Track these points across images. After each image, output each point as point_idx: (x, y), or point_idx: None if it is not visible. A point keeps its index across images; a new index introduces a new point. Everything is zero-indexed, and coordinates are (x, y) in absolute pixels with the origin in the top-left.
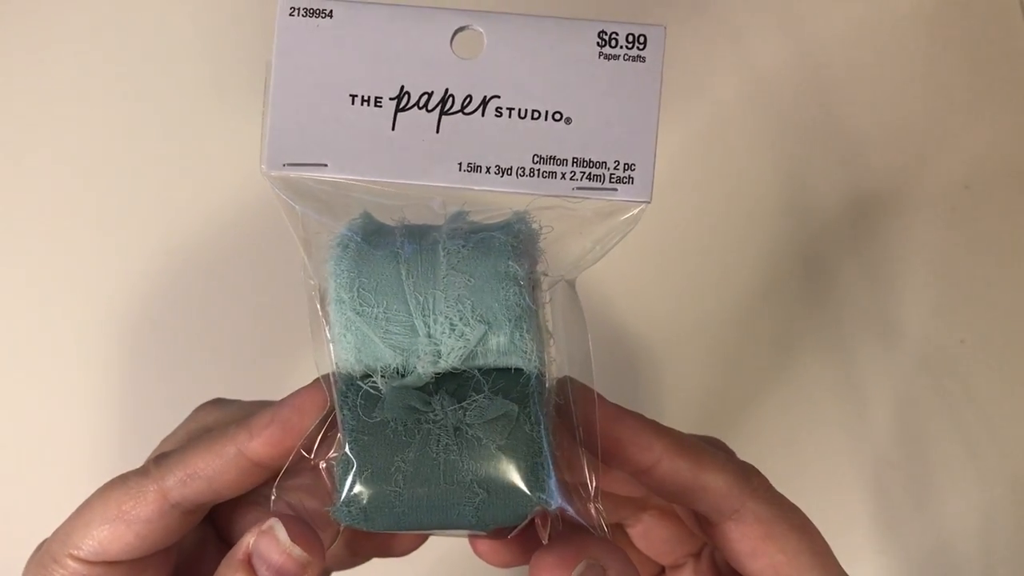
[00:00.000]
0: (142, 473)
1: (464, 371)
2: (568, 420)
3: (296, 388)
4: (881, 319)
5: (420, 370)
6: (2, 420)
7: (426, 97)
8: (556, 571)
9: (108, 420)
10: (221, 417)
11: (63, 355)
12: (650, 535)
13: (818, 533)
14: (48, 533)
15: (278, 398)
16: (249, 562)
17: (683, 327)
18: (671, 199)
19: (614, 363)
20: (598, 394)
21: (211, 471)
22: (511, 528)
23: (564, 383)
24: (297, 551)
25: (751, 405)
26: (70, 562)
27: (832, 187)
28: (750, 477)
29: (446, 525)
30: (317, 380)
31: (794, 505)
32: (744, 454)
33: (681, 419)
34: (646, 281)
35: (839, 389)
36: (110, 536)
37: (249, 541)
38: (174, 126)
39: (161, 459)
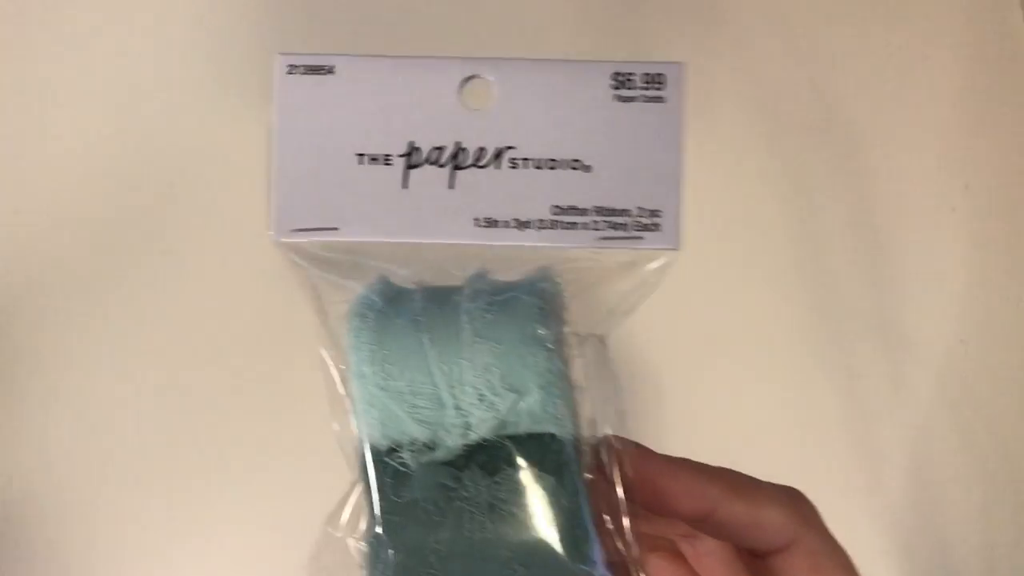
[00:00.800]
0: None
1: (495, 441)
2: (609, 481)
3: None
4: (881, 319)
5: (449, 443)
6: None
7: (437, 152)
8: None
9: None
10: None
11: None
12: (705, 559)
13: (858, 573)
14: None
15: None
16: None
17: (685, 335)
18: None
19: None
20: (644, 447)
21: None
22: None
23: (603, 442)
24: None
25: (752, 406)
26: None
27: (832, 187)
28: (802, 507)
29: None
30: None
31: (837, 541)
32: (745, 454)
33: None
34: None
35: (839, 389)
36: None
37: None
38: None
39: None
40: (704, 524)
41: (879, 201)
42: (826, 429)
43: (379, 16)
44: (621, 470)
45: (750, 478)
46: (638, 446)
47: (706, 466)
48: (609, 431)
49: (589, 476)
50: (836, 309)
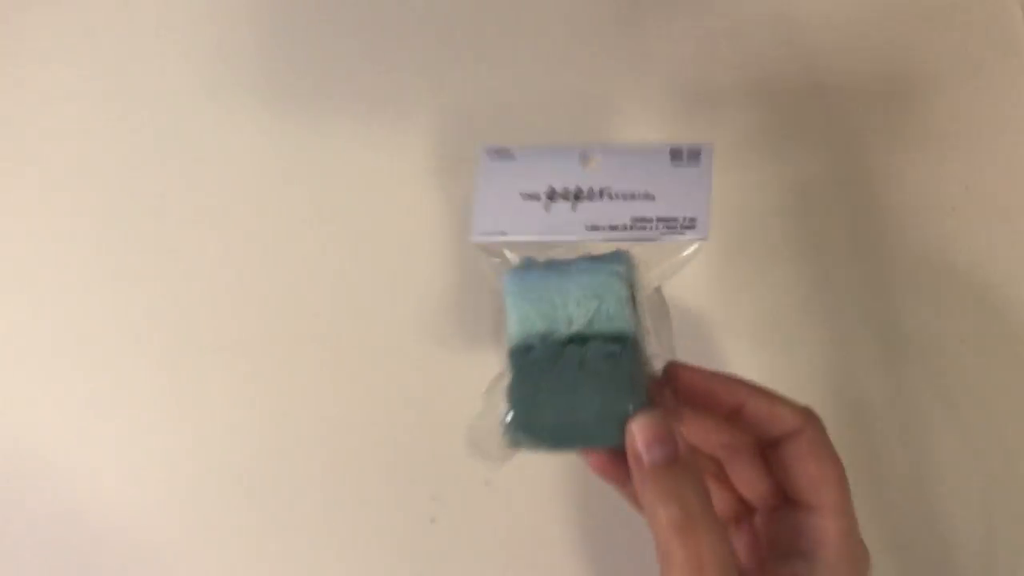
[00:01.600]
0: None
1: (586, 331)
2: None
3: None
4: (881, 319)
5: (560, 331)
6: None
7: (566, 190)
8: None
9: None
10: None
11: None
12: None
13: (844, 473)
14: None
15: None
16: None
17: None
18: None
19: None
20: (693, 365)
21: None
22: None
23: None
24: None
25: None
26: None
27: (832, 187)
28: (807, 409)
29: (575, 420)
30: None
31: (829, 440)
32: None
33: None
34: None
35: (839, 388)
36: None
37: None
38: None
39: None
40: (737, 415)
41: (879, 201)
42: (827, 428)
43: (378, 15)
44: (676, 382)
45: (770, 388)
46: (694, 366)
47: (737, 376)
48: (669, 356)
49: (646, 359)
50: (836, 309)
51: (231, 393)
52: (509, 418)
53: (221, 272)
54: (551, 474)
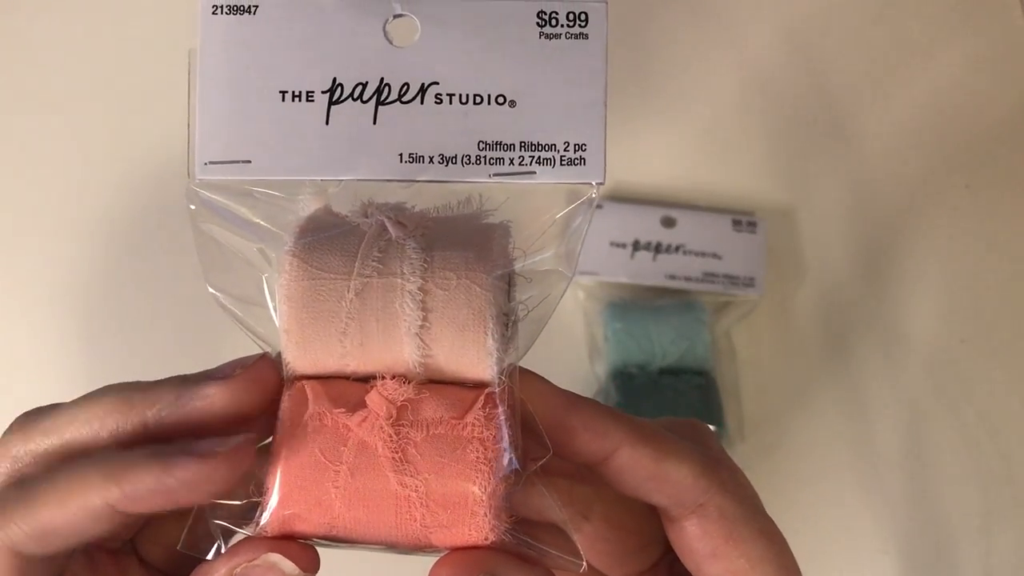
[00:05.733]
0: None
1: (677, 365)
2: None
3: None
4: (882, 319)
5: (655, 364)
6: None
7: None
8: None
9: None
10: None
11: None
12: (596, 545)
13: (786, 544)
14: None
15: None
16: None
17: None
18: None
19: None
20: (548, 382)
21: (64, 522)
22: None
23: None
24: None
25: (751, 403)
26: None
27: (832, 187)
28: (718, 468)
29: None
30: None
31: (762, 507)
32: (745, 452)
33: None
34: None
35: (840, 388)
36: None
37: None
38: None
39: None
40: (603, 467)
41: (879, 201)
42: (825, 428)
43: None
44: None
45: (661, 428)
46: (544, 381)
47: (613, 408)
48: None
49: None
50: (836, 308)
51: None
52: None
53: None
54: None
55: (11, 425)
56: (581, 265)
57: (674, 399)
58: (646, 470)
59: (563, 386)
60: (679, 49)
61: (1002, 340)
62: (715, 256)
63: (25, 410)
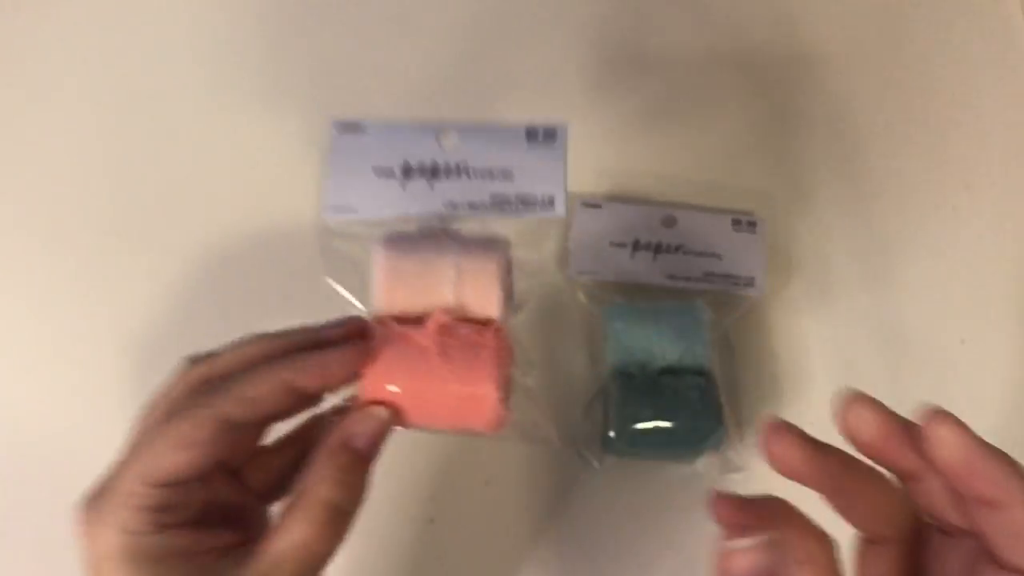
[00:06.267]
0: (194, 403)
1: (677, 364)
2: None
3: None
4: (882, 319)
5: (655, 363)
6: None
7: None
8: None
9: None
10: (225, 361)
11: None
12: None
13: None
14: None
15: None
16: (347, 443)
17: None
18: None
19: None
20: (972, 433)
21: (258, 395)
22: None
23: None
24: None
25: (751, 403)
26: (149, 489)
27: (832, 187)
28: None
29: (669, 437)
30: (355, 341)
31: None
32: (744, 453)
33: None
34: None
35: (838, 389)
36: (184, 460)
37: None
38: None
39: (208, 388)
40: (987, 512)
41: (879, 201)
42: (826, 427)
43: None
44: None
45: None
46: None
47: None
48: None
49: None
50: (835, 308)
51: None
52: (613, 432)
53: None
54: (550, 474)
55: (181, 364)
56: (581, 265)
57: (674, 399)
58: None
59: (563, 385)
60: (679, 49)
61: (1002, 340)
62: (715, 256)
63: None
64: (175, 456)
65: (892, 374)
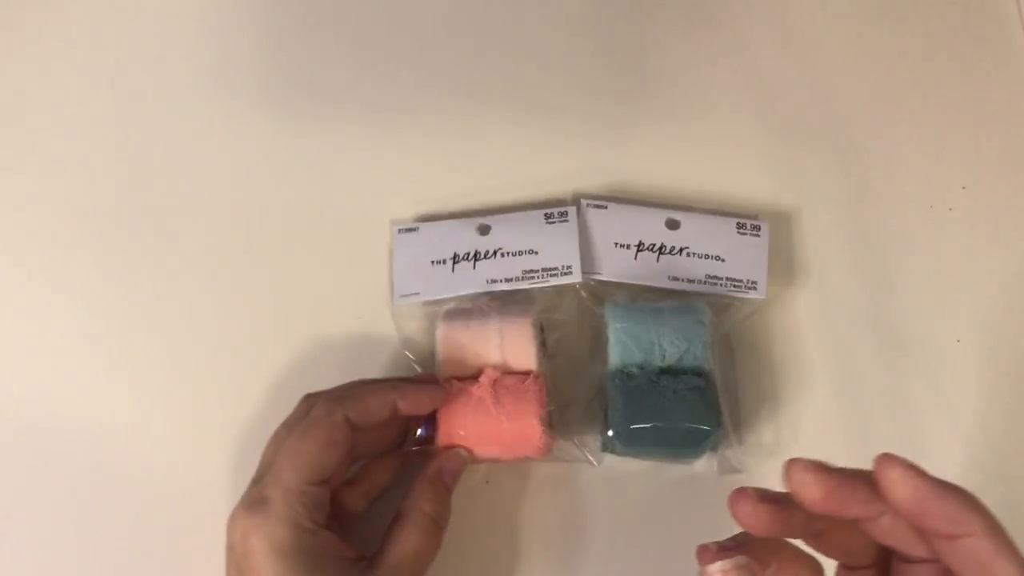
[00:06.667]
0: (331, 412)
1: (677, 365)
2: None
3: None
4: (881, 322)
5: (655, 364)
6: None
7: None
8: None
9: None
10: (340, 394)
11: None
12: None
13: None
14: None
15: None
16: (441, 473)
17: None
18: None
19: None
20: (919, 469)
21: (373, 407)
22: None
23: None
24: (463, 452)
25: (750, 404)
26: (309, 487)
27: (831, 186)
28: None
29: (667, 437)
30: (440, 385)
31: None
32: (743, 454)
33: None
34: None
35: (840, 392)
36: (331, 457)
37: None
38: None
39: (341, 400)
40: (947, 544)
41: (879, 201)
42: (823, 427)
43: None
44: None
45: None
46: (916, 468)
47: (972, 497)
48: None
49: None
50: (834, 308)
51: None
52: (612, 431)
53: (222, 270)
54: (550, 474)
55: (302, 399)
56: (585, 265)
57: (672, 399)
58: (982, 559)
59: (563, 385)
60: (682, 52)
61: (997, 341)
62: (718, 259)
63: None
64: (324, 455)
65: (891, 375)
